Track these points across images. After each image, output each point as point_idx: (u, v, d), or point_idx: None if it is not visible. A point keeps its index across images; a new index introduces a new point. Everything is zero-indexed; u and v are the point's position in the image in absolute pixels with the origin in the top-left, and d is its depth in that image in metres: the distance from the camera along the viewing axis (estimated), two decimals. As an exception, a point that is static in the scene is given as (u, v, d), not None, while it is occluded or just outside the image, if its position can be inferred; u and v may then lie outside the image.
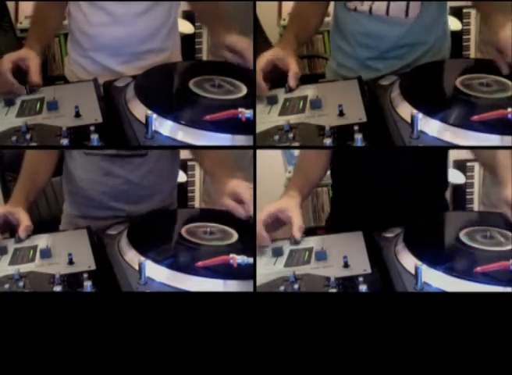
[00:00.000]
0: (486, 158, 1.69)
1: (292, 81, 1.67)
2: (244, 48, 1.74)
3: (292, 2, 1.87)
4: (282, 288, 1.54)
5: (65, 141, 1.57)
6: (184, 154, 2.02)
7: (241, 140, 1.59)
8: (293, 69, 1.66)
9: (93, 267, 1.58)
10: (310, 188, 1.82)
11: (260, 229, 1.64)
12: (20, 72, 1.67)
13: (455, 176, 2.86)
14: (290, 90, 1.67)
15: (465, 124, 1.53)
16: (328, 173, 1.88)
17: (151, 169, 1.86)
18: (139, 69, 1.79)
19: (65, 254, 1.61)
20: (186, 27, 2.80)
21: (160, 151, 1.85)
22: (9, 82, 1.65)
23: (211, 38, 1.81)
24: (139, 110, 1.62)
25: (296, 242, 1.66)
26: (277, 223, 1.67)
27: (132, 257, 1.60)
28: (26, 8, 2.74)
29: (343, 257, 1.58)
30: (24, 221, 1.70)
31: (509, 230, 1.61)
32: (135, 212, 1.85)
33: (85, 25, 1.81)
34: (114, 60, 1.82)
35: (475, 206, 3.00)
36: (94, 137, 1.57)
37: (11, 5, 2.82)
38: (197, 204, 2.99)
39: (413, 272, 1.50)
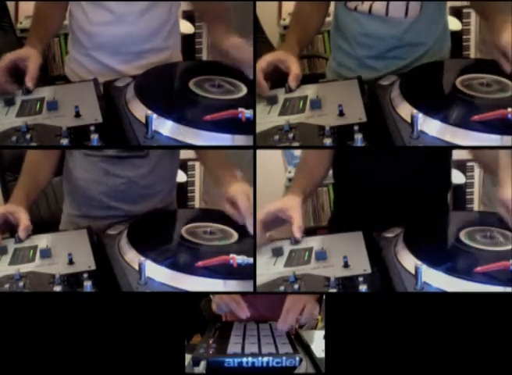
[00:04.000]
0: (485, 157, 1.69)
1: (292, 82, 1.67)
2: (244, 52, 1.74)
3: (292, 2, 1.87)
4: (282, 288, 1.54)
5: (65, 141, 1.57)
6: (184, 154, 2.02)
7: (241, 140, 1.59)
8: (295, 70, 1.67)
9: (93, 267, 1.57)
10: (313, 188, 1.82)
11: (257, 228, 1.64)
12: (18, 71, 1.67)
13: (455, 176, 2.86)
14: (290, 90, 1.68)
15: (465, 124, 1.53)
16: (330, 172, 1.88)
17: (150, 169, 1.86)
18: (139, 68, 1.79)
19: (65, 254, 1.61)
20: (186, 27, 2.80)
21: (160, 152, 1.85)
22: (2, 80, 1.65)
23: (210, 39, 1.79)
24: (139, 110, 1.62)
25: (296, 242, 1.66)
26: (277, 221, 1.67)
27: (132, 257, 1.60)
28: (26, 8, 2.75)
29: (343, 257, 1.58)
30: (24, 221, 1.70)
31: (509, 229, 1.61)
32: (134, 211, 1.86)
33: (86, 24, 1.81)
34: (114, 59, 1.82)
35: (475, 206, 3.00)
36: (94, 137, 1.57)
37: (11, 5, 2.82)
38: (197, 204, 2.99)
39: (413, 272, 1.50)
